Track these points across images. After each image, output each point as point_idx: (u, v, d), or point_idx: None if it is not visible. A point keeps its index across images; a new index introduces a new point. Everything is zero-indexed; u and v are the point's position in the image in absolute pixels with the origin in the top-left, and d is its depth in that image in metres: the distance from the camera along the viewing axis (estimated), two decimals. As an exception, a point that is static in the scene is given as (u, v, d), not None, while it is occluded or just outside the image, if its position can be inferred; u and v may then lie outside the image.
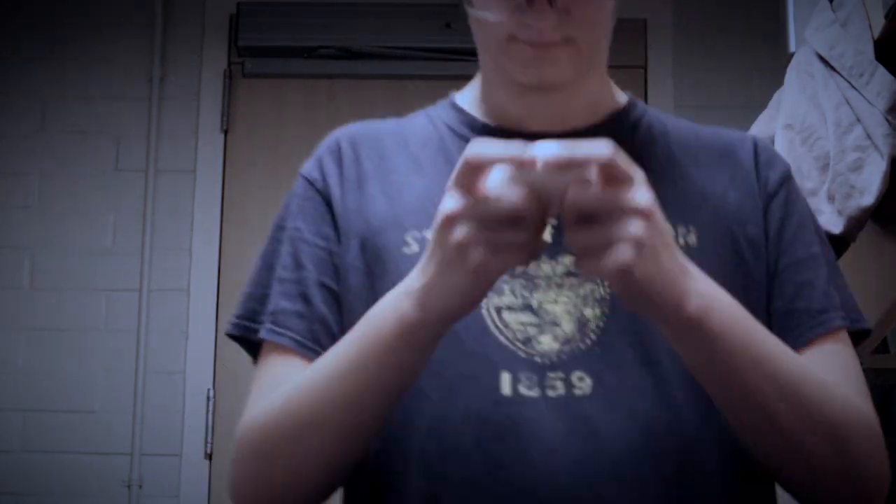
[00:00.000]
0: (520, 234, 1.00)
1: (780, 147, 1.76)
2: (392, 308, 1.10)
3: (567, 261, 1.22)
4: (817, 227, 1.31)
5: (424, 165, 1.30)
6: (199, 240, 3.85)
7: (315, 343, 1.25)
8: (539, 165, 0.95)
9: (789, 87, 1.92)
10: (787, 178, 1.30)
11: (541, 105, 1.27)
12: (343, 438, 1.17)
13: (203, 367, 3.77)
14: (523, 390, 1.19)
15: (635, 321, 1.21)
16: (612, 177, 0.98)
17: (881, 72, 1.66)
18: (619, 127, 1.30)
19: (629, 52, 3.88)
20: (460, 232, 1.01)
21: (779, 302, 1.26)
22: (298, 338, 1.25)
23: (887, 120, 1.65)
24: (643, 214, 0.99)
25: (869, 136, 1.63)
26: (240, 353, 1.32)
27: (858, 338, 1.31)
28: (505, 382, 1.19)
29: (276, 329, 1.26)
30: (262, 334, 1.27)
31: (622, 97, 1.35)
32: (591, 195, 0.98)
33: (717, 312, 1.08)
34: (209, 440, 3.77)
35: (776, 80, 2.29)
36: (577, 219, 0.99)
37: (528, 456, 1.17)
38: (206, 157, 3.90)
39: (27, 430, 3.78)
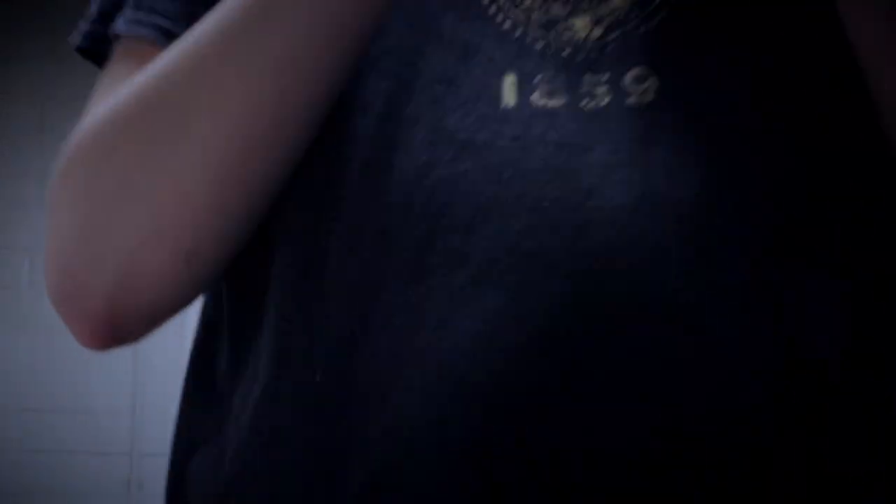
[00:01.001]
0: None
1: None
2: None
3: None
4: None
5: None
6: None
7: None
8: None
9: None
10: None
11: None
12: (233, 143, 0.66)
13: (203, 367, 3.77)
14: (539, 99, 0.68)
15: None
16: None
17: None
18: None
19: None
20: None
21: None
22: (168, 25, 0.74)
23: None
24: None
25: None
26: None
27: None
28: (508, 88, 0.69)
29: (138, 17, 0.75)
30: (117, 27, 0.75)
31: None
32: None
33: None
34: (209, 440, 3.78)
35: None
36: None
37: (544, 206, 0.66)
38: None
39: (27, 430, 3.78)
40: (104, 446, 3.76)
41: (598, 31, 0.70)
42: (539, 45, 0.70)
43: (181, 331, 4.03)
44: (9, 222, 3.88)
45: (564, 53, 0.70)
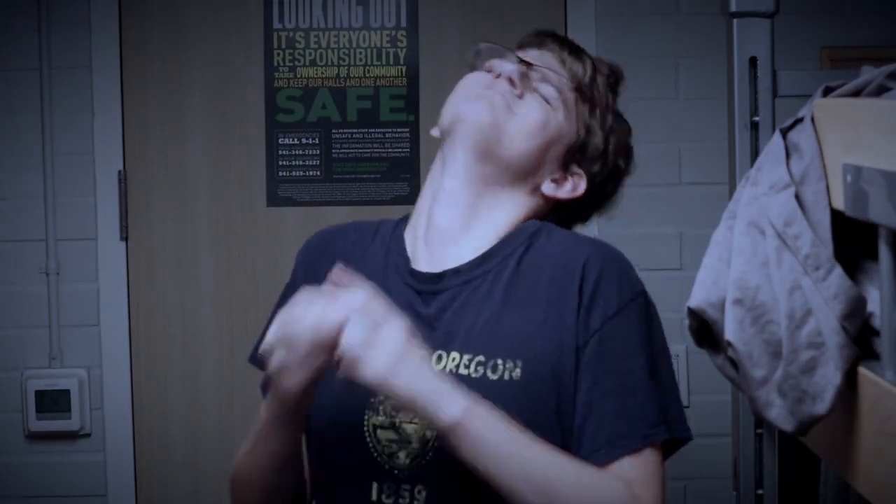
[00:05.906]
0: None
1: (729, 324, 1.59)
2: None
3: None
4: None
5: None
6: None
7: None
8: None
9: (739, 243, 1.67)
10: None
11: None
12: (270, 479, 1.64)
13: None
14: (385, 499, 1.57)
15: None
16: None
17: (838, 273, 1.49)
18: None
19: None
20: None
21: None
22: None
23: (843, 328, 1.52)
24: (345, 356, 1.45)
25: (821, 334, 1.51)
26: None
27: None
28: (374, 491, 1.58)
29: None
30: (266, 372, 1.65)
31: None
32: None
33: (475, 421, 1.45)
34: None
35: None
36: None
37: None
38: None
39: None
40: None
41: (407, 461, 1.57)
42: (386, 466, 1.59)
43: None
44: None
45: (396, 472, 1.58)
